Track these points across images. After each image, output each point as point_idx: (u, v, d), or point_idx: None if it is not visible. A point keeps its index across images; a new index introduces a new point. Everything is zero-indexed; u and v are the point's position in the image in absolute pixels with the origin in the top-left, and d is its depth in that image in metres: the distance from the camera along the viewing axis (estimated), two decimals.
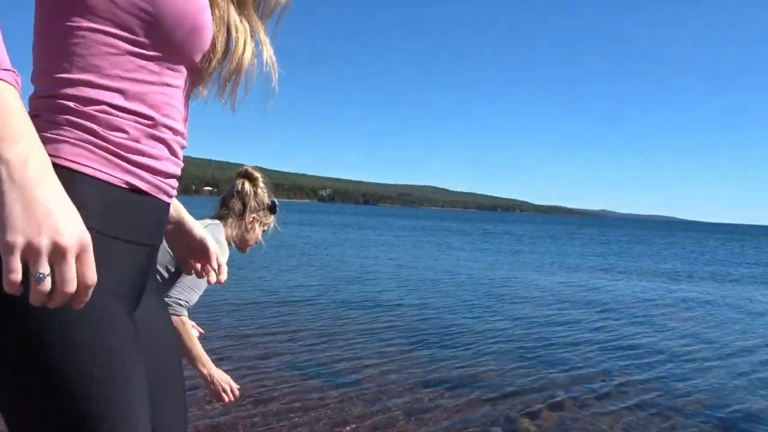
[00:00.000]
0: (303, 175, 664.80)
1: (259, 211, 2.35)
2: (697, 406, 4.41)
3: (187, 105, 1.01)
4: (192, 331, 2.10)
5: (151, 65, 0.90)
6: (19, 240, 0.66)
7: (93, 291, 0.73)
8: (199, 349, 2.07)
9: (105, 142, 0.87)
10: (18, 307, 0.77)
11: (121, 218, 0.89)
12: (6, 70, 0.71)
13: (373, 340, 5.88)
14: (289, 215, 53.53)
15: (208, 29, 0.94)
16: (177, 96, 0.96)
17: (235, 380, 2.18)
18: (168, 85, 0.93)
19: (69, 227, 0.69)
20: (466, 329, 6.69)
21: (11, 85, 0.71)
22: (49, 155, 0.74)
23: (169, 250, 1.61)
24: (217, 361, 2.47)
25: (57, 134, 0.84)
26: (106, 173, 0.87)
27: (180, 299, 2.08)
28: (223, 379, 2.13)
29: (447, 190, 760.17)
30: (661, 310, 9.08)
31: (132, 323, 0.90)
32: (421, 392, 4.28)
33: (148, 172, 0.93)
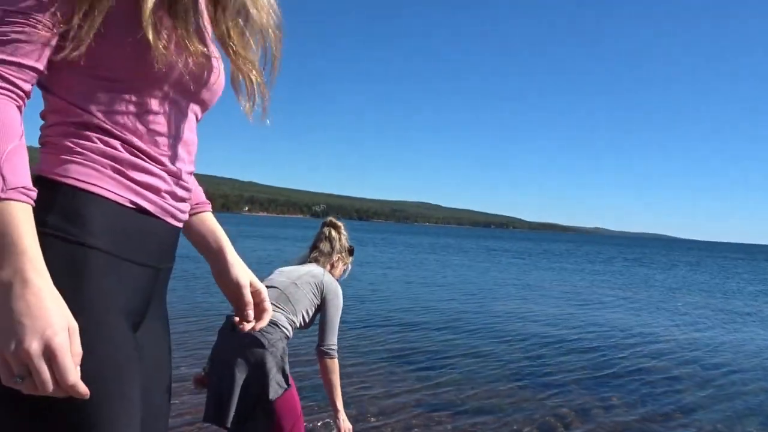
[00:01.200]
0: (296, 190, 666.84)
1: (342, 252, 2.94)
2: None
3: (193, 130, 1.04)
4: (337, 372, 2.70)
5: (154, 102, 0.94)
6: None
7: (97, 308, 0.84)
8: (339, 389, 2.70)
9: (113, 161, 0.91)
10: None
11: (126, 238, 0.92)
12: (13, 188, 0.78)
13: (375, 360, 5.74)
14: (286, 231, 54.24)
15: (218, 75, 1.02)
16: (181, 124, 1.00)
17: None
18: (171, 114, 0.97)
19: (35, 335, 0.74)
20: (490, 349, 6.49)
21: (17, 201, 0.78)
22: (58, 175, 0.87)
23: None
24: None
25: (65, 156, 0.89)
26: (113, 192, 0.91)
27: (333, 344, 2.67)
28: (347, 424, 2.75)
29: (440, 207, 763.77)
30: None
31: (134, 342, 0.93)
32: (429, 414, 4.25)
33: (153, 193, 0.96)
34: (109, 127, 0.91)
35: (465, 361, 6.02)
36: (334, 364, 2.67)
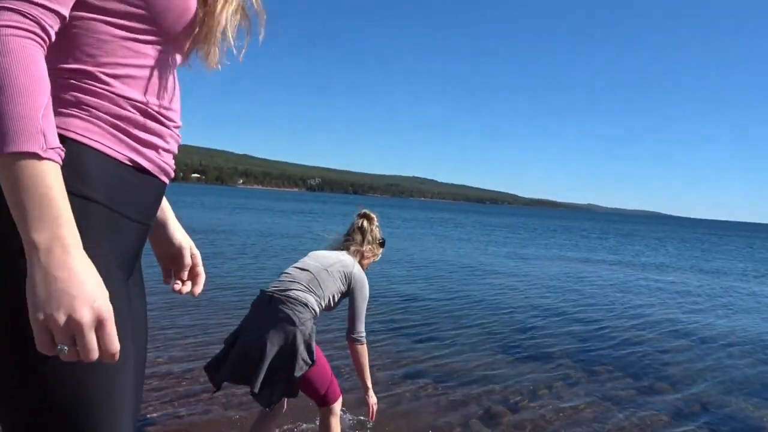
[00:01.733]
0: (291, 164, 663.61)
1: (374, 244, 3.10)
2: (683, 401, 4.45)
3: (176, 82, 1.04)
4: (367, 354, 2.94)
5: (145, 49, 0.93)
6: (40, 316, 0.75)
7: (98, 262, 0.81)
8: (368, 370, 2.95)
9: (113, 118, 0.90)
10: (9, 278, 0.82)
11: (124, 194, 0.92)
12: (52, 148, 0.77)
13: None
14: (283, 204, 54.29)
15: (192, 11, 0.96)
16: (170, 76, 0.99)
17: None
18: (161, 67, 0.96)
19: (85, 304, 0.75)
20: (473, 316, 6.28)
21: (55, 162, 0.78)
22: (59, 128, 0.83)
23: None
24: None
25: (66, 110, 0.87)
26: (112, 149, 0.90)
27: (362, 332, 2.89)
28: (374, 398, 3.05)
29: (435, 182, 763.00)
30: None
31: (128, 297, 0.96)
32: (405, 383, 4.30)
33: (151, 150, 0.96)
34: (110, 79, 0.89)
35: (458, 332, 6.10)
36: (364, 349, 2.90)
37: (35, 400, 0.84)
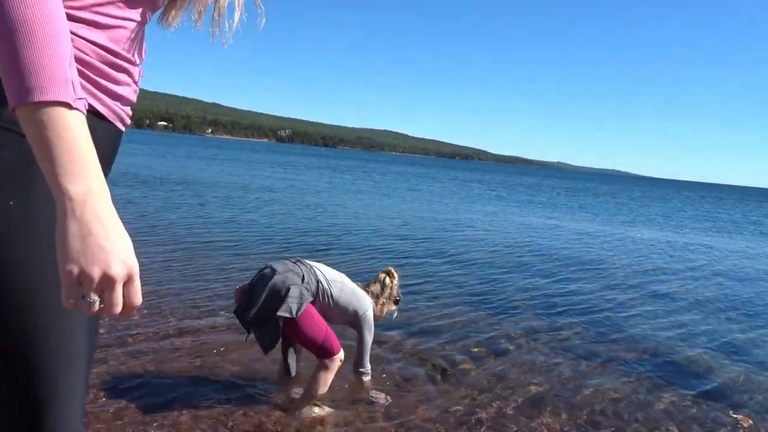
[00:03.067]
0: (261, 114, 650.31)
1: (390, 299, 3.44)
2: (640, 354, 4.64)
3: (144, 37, 1.01)
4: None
5: (117, 1, 0.91)
6: (75, 269, 0.74)
7: (50, 205, 0.77)
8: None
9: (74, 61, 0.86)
10: None
11: None
12: (80, 98, 0.76)
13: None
14: (256, 155, 53.28)
15: None
16: (137, 29, 0.96)
17: None
18: (130, 19, 0.94)
19: (119, 260, 0.76)
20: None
21: (83, 113, 0.77)
22: None
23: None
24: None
25: None
26: None
27: (368, 366, 3.40)
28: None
29: (407, 136, 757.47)
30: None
31: None
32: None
33: (108, 96, 0.94)
34: (73, 23, 0.85)
35: (426, 285, 6.30)
36: (367, 376, 3.40)
37: None
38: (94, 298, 0.76)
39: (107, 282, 0.76)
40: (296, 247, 7.88)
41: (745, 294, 7.88)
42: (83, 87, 0.87)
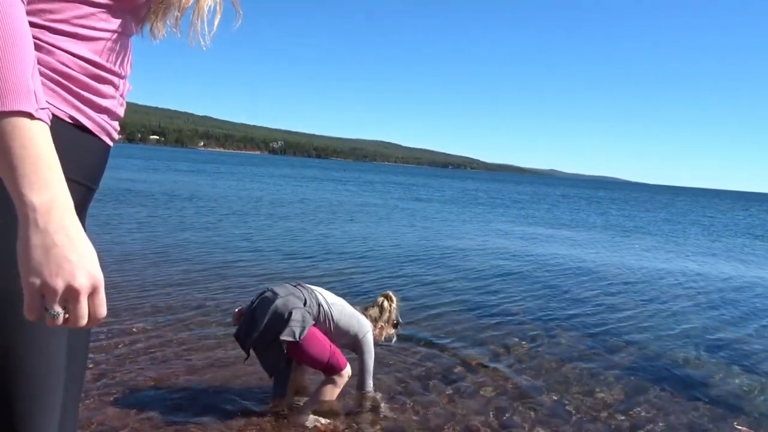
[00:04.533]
0: (253, 126, 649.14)
1: (388, 323, 3.42)
2: (630, 358, 4.67)
3: (130, 50, 1.00)
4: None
5: (99, 12, 0.89)
6: (36, 281, 0.73)
7: None
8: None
9: (56, 74, 0.85)
10: None
11: (63, 153, 0.83)
12: (42, 108, 0.75)
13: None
14: (257, 169, 52.73)
15: None
16: (122, 41, 0.95)
17: None
18: (113, 31, 0.92)
19: (84, 271, 0.74)
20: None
21: (46, 123, 0.75)
22: None
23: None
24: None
25: None
26: (52, 105, 0.84)
27: (371, 386, 3.36)
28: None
29: (399, 146, 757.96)
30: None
31: None
32: None
33: (92, 109, 0.92)
34: (57, 36, 0.85)
35: (419, 290, 6.37)
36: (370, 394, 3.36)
37: None
38: (57, 310, 0.75)
39: (72, 294, 0.74)
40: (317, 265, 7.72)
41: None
42: (65, 100, 0.87)
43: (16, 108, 0.71)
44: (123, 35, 0.95)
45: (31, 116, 0.73)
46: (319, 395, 3.07)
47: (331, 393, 3.04)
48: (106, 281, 0.80)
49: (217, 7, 1.01)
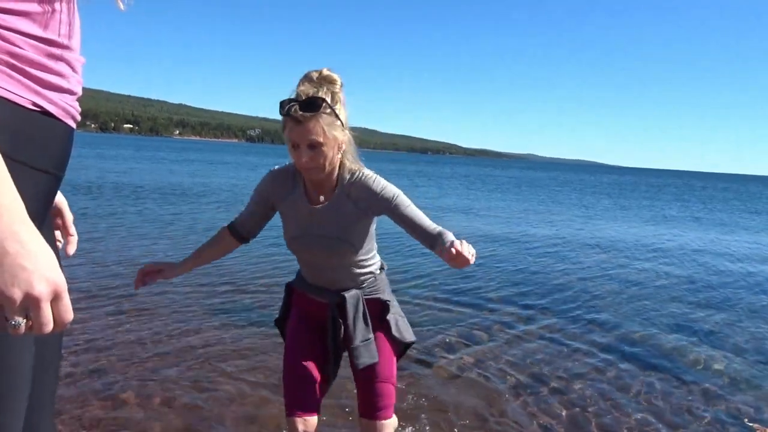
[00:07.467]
0: (230, 113, 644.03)
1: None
2: (610, 339, 4.58)
3: (77, 16, 0.95)
4: None
5: None
6: None
7: None
8: None
9: (12, 58, 0.81)
10: None
11: (27, 142, 0.83)
12: None
13: None
14: (245, 158, 52.41)
15: None
16: (70, 10, 0.91)
17: None
18: (62, 1, 0.88)
19: (42, 278, 0.71)
20: None
21: None
22: None
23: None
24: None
25: None
26: (10, 92, 0.81)
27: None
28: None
29: (377, 132, 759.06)
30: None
31: None
32: None
33: (53, 90, 0.88)
34: (3, 15, 0.78)
35: (397, 276, 6.14)
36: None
37: None
38: (18, 320, 0.71)
39: (32, 302, 0.71)
40: None
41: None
42: (25, 86, 0.81)
43: None
44: (71, 4, 0.89)
45: None
46: None
47: None
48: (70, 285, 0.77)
49: None
